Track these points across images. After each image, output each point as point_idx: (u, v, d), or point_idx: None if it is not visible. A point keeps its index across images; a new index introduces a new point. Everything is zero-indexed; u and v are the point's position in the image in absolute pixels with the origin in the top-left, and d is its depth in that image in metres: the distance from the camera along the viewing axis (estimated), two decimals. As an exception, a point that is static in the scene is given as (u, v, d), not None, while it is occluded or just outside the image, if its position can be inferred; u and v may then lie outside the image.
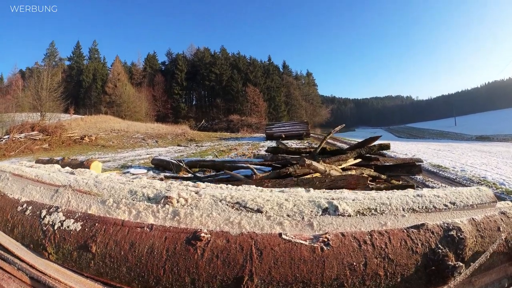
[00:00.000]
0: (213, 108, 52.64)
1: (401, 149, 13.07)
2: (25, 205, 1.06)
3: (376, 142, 4.46)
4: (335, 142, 17.61)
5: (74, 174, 1.48)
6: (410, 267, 0.74)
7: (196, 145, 17.24)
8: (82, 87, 48.78)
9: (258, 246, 0.77)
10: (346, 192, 1.23)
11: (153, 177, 6.10)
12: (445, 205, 1.10)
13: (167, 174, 5.73)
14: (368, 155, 4.22)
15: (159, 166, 7.30)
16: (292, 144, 15.95)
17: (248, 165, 4.43)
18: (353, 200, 1.12)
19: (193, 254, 0.76)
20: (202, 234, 0.80)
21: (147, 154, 12.39)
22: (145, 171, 6.95)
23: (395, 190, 1.26)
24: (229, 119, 41.98)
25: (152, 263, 0.77)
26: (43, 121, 19.99)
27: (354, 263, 0.73)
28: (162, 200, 1.13)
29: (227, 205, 1.10)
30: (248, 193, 1.20)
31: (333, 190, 1.34)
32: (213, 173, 5.12)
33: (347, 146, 10.29)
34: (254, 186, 1.33)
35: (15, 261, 0.93)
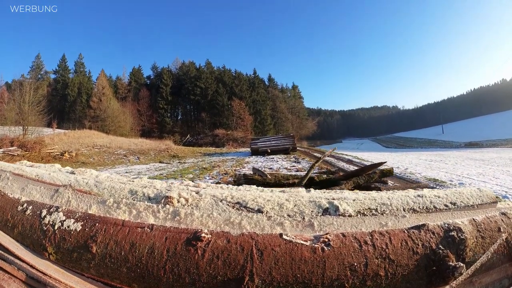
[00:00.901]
0: (199, 123, 52.67)
1: (391, 161, 12.96)
2: (25, 205, 1.06)
3: (378, 168, 3.94)
4: (324, 158, 17.34)
5: (74, 173, 1.48)
6: (411, 268, 0.74)
7: (179, 162, 16.87)
8: (67, 101, 48.83)
9: (258, 247, 0.77)
10: (346, 192, 1.23)
11: None
12: (446, 206, 1.10)
13: None
14: (367, 184, 3.77)
15: None
16: (278, 159, 15.65)
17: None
18: (354, 200, 1.12)
19: (193, 255, 0.76)
20: (203, 235, 0.80)
21: (126, 172, 12.22)
22: None
23: (396, 191, 1.26)
24: (214, 134, 41.86)
25: (153, 263, 0.77)
26: (26, 135, 19.83)
27: (355, 264, 0.73)
28: (163, 200, 1.13)
29: (228, 205, 1.10)
30: (249, 193, 1.20)
31: (334, 190, 1.34)
32: None
33: (339, 169, 10.22)
34: (254, 186, 1.33)
35: (15, 261, 0.93)
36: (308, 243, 0.78)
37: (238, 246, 0.77)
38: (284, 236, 0.81)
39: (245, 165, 13.45)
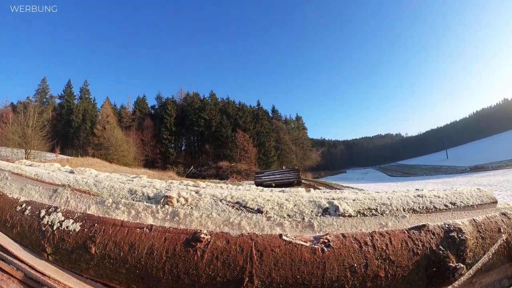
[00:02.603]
0: (202, 154, 52.64)
1: None
2: (24, 205, 1.06)
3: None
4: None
5: (73, 173, 1.47)
6: (411, 269, 0.74)
7: None
8: (71, 127, 48.88)
9: (258, 248, 0.76)
10: (346, 192, 1.22)
11: None
12: (446, 206, 1.10)
13: None
14: None
15: None
16: None
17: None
18: (354, 200, 1.12)
19: (192, 256, 0.76)
20: (202, 235, 0.80)
21: None
22: None
23: (396, 191, 1.26)
24: (218, 166, 41.84)
25: (152, 264, 0.77)
26: (28, 159, 19.72)
27: (355, 265, 0.73)
28: (162, 200, 1.13)
29: (227, 205, 1.10)
30: (249, 193, 1.20)
31: (334, 190, 1.33)
32: None
33: None
34: (254, 186, 1.33)
35: (14, 261, 0.93)
36: (308, 244, 0.77)
37: (237, 247, 0.77)
38: (284, 237, 0.80)
39: None
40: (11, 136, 22.30)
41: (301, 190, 1.26)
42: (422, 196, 1.12)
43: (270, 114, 61.97)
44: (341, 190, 1.28)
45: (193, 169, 43.31)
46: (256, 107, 60.38)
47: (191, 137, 57.51)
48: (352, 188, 17.48)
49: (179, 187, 1.27)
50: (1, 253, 0.96)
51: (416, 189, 1.24)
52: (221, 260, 0.74)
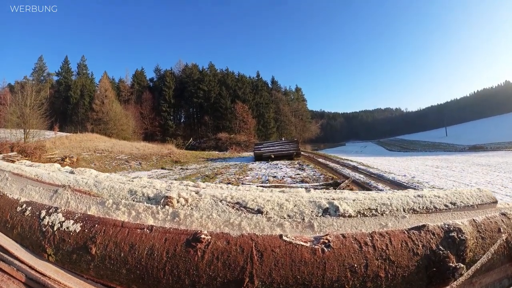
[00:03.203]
0: (202, 126, 52.22)
1: (397, 167, 12.76)
2: (24, 206, 1.06)
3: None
4: (327, 162, 17.05)
5: (74, 173, 1.47)
6: (411, 269, 0.74)
7: (181, 168, 16.73)
8: (69, 103, 48.42)
9: (258, 248, 0.76)
10: (346, 192, 1.22)
11: None
12: (446, 206, 1.10)
13: None
14: None
15: None
16: (282, 165, 15.34)
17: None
18: (354, 200, 1.12)
19: (193, 256, 0.76)
20: (202, 236, 0.80)
21: None
22: None
23: (396, 191, 1.26)
24: (217, 137, 41.39)
25: (152, 265, 0.77)
26: (27, 139, 19.54)
27: (355, 265, 0.73)
28: (162, 200, 1.13)
29: (228, 205, 1.10)
30: (249, 193, 1.20)
31: (334, 190, 1.33)
32: None
33: (344, 178, 10.10)
34: (254, 186, 1.33)
35: (14, 262, 0.93)
36: (308, 244, 0.77)
37: (238, 247, 0.77)
38: (284, 237, 0.81)
39: (249, 172, 13.27)
40: (9, 117, 21.95)
41: (301, 190, 1.26)
42: (422, 196, 1.12)
43: (269, 85, 61.14)
44: (342, 191, 1.28)
45: (192, 141, 43.09)
46: (256, 78, 59.51)
47: (190, 109, 56.86)
48: (351, 161, 17.39)
49: (179, 188, 1.27)
50: (2, 253, 0.96)
51: (416, 189, 1.24)
52: (222, 261, 0.74)
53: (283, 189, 1.28)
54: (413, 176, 9.70)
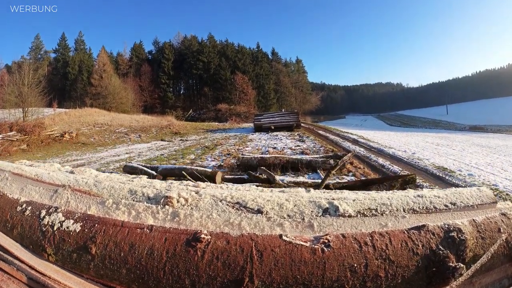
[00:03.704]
0: (201, 97, 51.43)
1: (397, 143, 12.64)
2: (24, 205, 1.06)
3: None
4: (327, 135, 16.86)
5: (73, 173, 1.47)
6: (411, 269, 0.74)
7: (181, 139, 16.66)
8: (68, 80, 47.73)
9: (258, 248, 0.76)
10: (346, 192, 1.22)
11: None
12: (446, 206, 1.10)
13: None
14: None
15: (131, 174, 6.94)
16: (282, 136, 15.23)
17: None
18: (354, 200, 1.12)
19: (193, 256, 0.76)
20: (202, 236, 0.80)
21: (126, 153, 12.03)
22: None
23: (396, 191, 1.26)
24: (217, 109, 40.96)
25: (152, 264, 0.77)
26: (26, 118, 19.27)
27: (355, 265, 0.73)
28: (162, 200, 1.13)
29: (227, 205, 1.10)
30: (249, 193, 1.20)
31: (334, 190, 1.33)
32: None
33: (345, 151, 10.05)
34: (254, 186, 1.33)
35: (14, 262, 0.93)
36: (308, 244, 0.77)
37: (237, 247, 0.77)
38: (284, 237, 0.81)
39: (248, 143, 13.21)
40: (7, 98, 21.58)
41: (301, 190, 1.26)
42: (422, 196, 1.12)
43: (269, 57, 60.13)
44: (342, 191, 1.28)
45: (192, 112, 42.87)
46: (256, 49, 58.62)
47: (189, 80, 56.03)
48: (351, 134, 17.18)
49: (179, 187, 1.27)
50: (2, 253, 0.96)
51: (416, 189, 1.24)
52: (222, 260, 0.74)
53: (283, 189, 1.28)
54: (413, 152, 9.58)
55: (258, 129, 19.73)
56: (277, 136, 15.82)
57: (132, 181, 1.34)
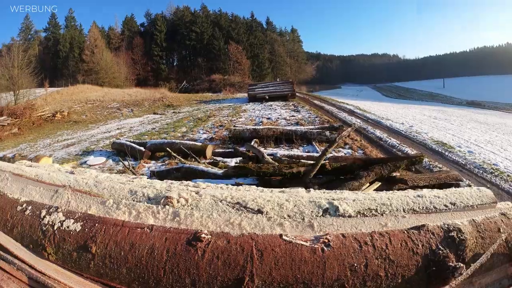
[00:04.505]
0: (195, 68, 50.30)
1: (394, 114, 12.37)
2: (24, 205, 1.06)
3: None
4: (323, 105, 16.46)
5: (74, 174, 1.47)
6: (410, 268, 0.74)
7: (174, 112, 16.45)
8: (59, 58, 46.81)
9: (258, 247, 0.77)
10: (346, 193, 1.23)
11: (110, 169, 5.77)
12: (446, 206, 1.10)
13: (126, 163, 5.21)
14: (391, 176, 2.98)
15: (120, 151, 6.71)
16: (276, 106, 14.89)
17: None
18: (354, 200, 1.12)
19: (193, 255, 0.76)
20: (203, 235, 0.80)
21: (118, 129, 11.90)
22: (104, 159, 6.46)
23: (396, 191, 1.26)
24: (211, 79, 40.42)
25: (153, 264, 0.77)
26: (17, 101, 18.82)
27: (355, 264, 0.73)
28: (162, 200, 1.13)
29: (228, 205, 1.10)
30: (249, 193, 1.20)
31: (334, 190, 1.34)
32: (178, 166, 4.17)
33: (342, 122, 9.41)
34: (254, 187, 1.33)
35: (14, 261, 0.93)
36: (308, 244, 0.78)
37: (238, 246, 0.77)
38: (284, 237, 0.81)
39: (242, 114, 13.00)
40: None
41: (301, 190, 1.26)
42: (422, 196, 1.13)
43: (264, 26, 59.27)
44: (341, 191, 1.28)
45: (185, 84, 42.27)
46: (250, 18, 57.58)
47: (183, 52, 55.07)
48: (347, 104, 16.90)
49: (179, 188, 1.27)
50: (2, 252, 0.96)
51: (416, 190, 1.24)
52: (222, 260, 0.74)
53: (283, 189, 1.28)
54: (411, 125, 9.43)
55: (252, 99, 19.24)
56: (271, 106, 15.53)
57: (132, 181, 1.34)
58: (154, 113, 16.81)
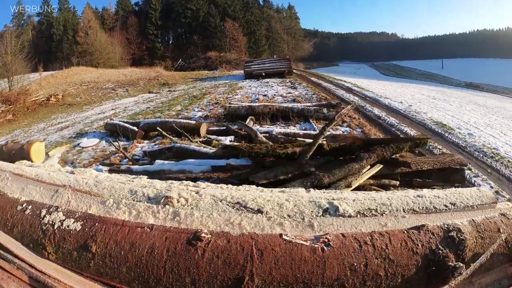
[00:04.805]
0: (191, 46, 49.73)
1: (393, 93, 12.15)
2: (24, 205, 1.06)
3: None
4: (320, 82, 16.11)
5: (74, 173, 1.47)
6: (410, 268, 0.74)
7: (169, 90, 16.27)
8: (53, 41, 46.23)
9: (258, 247, 0.77)
10: (346, 193, 1.23)
11: (103, 150, 5.75)
12: (446, 206, 1.10)
13: (120, 144, 5.16)
14: (394, 158, 2.77)
15: (113, 131, 6.63)
16: (273, 83, 14.58)
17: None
18: (354, 200, 1.13)
19: (193, 254, 0.76)
20: (203, 235, 0.80)
21: (112, 109, 11.70)
22: (97, 141, 6.40)
23: (395, 191, 1.26)
24: (207, 57, 39.72)
25: (153, 263, 0.77)
26: (12, 87, 18.57)
27: (355, 264, 0.73)
28: (162, 200, 1.13)
29: (228, 205, 1.10)
30: (248, 193, 1.20)
31: (334, 189, 1.34)
32: (170, 146, 4.02)
33: (340, 100, 9.02)
34: (254, 186, 1.33)
35: (14, 260, 0.93)
36: (308, 243, 0.78)
37: (238, 246, 0.77)
38: (284, 236, 0.81)
39: (238, 91, 12.74)
40: None
41: (300, 190, 1.26)
42: (422, 197, 1.13)
43: (261, 3, 58.51)
44: (341, 191, 1.28)
45: (181, 62, 41.30)
46: None
47: (178, 30, 54.32)
48: (345, 81, 16.55)
49: (179, 187, 1.27)
50: (2, 252, 0.96)
51: (416, 189, 1.24)
52: (222, 259, 0.74)
53: (283, 189, 1.28)
54: (410, 104, 9.28)
55: (249, 76, 18.80)
56: (268, 83, 15.16)
57: (132, 181, 1.35)
58: (149, 92, 16.45)
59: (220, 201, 1.12)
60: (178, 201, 1.13)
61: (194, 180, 2.74)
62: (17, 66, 21.20)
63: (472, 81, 24.05)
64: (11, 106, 14.38)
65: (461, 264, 0.73)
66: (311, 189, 1.30)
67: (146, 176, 1.45)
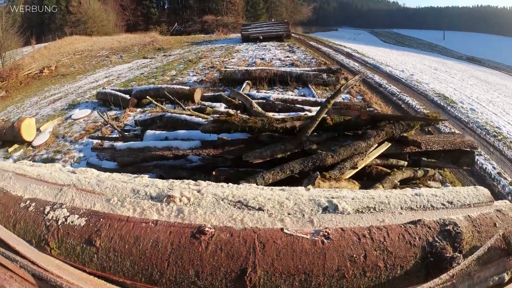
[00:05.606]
0: (187, 10, 48.15)
1: (394, 61, 11.87)
2: (28, 202, 1.07)
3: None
4: (319, 46, 15.74)
5: (75, 173, 1.48)
6: (409, 259, 0.76)
7: (164, 55, 15.84)
8: (45, 13, 46.78)
9: (261, 240, 0.78)
10: (345, 191, 1.25)
11: (94, 121, 5.57)
12: (443, 204, 1.13)
13: (112, 113, 5.00)
14: (403, 134, 2.54)
15: (107, 101, 6.39)
16: (271, 47, 14.21)
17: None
18: (353, 199, 1.15)
19: (197, 247, 0.77)
20: (207, 229, 0.82)
21: (106, 77, 11.41)
22: (89, 111, 6.23)
23: (394, 190, 1.29)
24: (203, 20, 39.30)
25: (157, 256, 0.78)
26: (5, 63, 17.91)
27: (354, 255, 0.75)
28: (165, 199, 1.15)
29: (229, 203, 1.12)
30: (250, 191, 1.22)
31: (333, 189, 1.36)
32: (161, 114, 3.63)
33: (340, 65, 8.45)
34: (254, 185, 1.35)
35: (16, 258, 0.93)
36: (308, 237, 0.80)
37: (240, 239, 0.79)
38: (285, 230, 0.83)
39: (235, 54, 12.42)
40: None
41: (300, 189, 1.28)
42: (419, 195, 1.15)
43: None
44: (341, 190, 1.30)
45: (176, 26, 40.57)
46: None
47: None
48: (345, 47, 16.19)
49: (181, 186, 1.28)
50: (3, 249, 0.97)
51: (414, 188, 1.26)
52: (225, 251, 0.76)
53: (283, 187, 1.30)
54: (411, 73, 9.03)
55: (246, 39, 18.45)
56: (265, 46, 14.80)
57: (134, 180, 1.36)
58: (144, 58, 16.08)
59: (222, 200, 1.14)
60: (180, 200, 1.15)
61: (182, 157, 2.60)
62: (9, 42, 20.65)
63: (474, 55, 23.65)
64: (3, 83, 13.85)
65: (459, 254, 0.75)
66: (311, 188, 1.32)
67: (147, 175, 1.46)
